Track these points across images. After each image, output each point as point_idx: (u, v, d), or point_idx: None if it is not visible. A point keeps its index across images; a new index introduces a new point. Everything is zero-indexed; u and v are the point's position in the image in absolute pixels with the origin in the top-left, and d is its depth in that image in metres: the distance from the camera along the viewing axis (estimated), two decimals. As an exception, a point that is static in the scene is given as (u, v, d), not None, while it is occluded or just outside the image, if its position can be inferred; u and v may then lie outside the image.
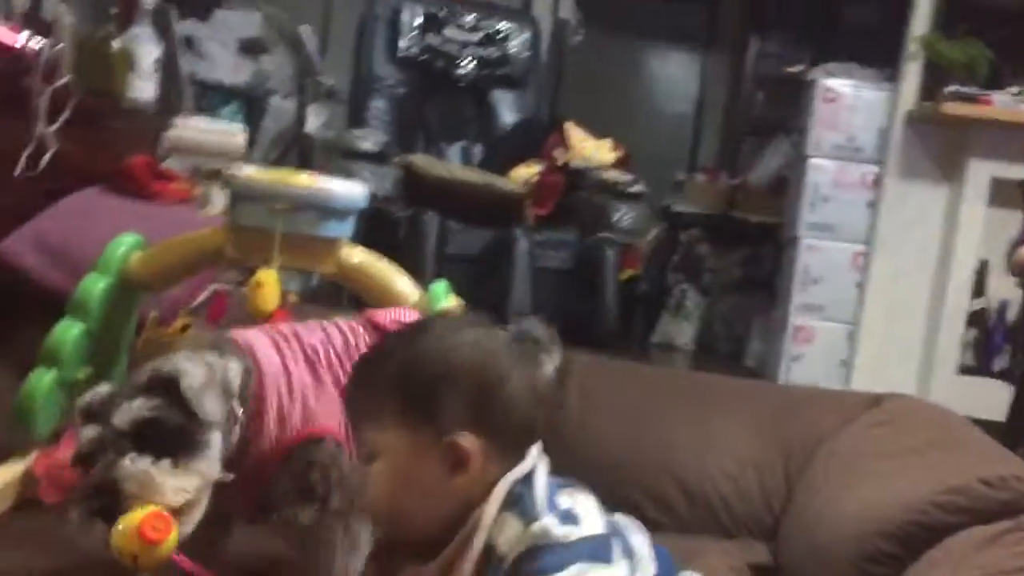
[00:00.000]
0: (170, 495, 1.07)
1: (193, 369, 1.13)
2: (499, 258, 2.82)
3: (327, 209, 1.62)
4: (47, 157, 2.13)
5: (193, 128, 2.90)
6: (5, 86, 2.12)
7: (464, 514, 0.95)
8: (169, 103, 2.86)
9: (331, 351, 1.31)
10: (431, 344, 1.00)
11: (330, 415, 1.25)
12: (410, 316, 1.39)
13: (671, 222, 4.78)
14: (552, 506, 0.95)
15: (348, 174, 2.89)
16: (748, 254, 4.78)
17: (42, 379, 1.57)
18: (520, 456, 0.99)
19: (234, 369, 1.18)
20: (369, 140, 2.98)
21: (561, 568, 0.90)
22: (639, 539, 1.05)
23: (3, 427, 1.67)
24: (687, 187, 4.67)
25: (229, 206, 1.66)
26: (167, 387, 1.10)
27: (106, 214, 2.26)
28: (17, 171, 2.10)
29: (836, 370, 3.78)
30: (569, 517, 0.95)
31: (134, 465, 1.07)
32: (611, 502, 1.08)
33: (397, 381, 0.98)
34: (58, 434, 1.63)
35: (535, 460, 1.00)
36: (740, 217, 4.59)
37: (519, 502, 0.95)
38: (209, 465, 1.11)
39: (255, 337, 1.28)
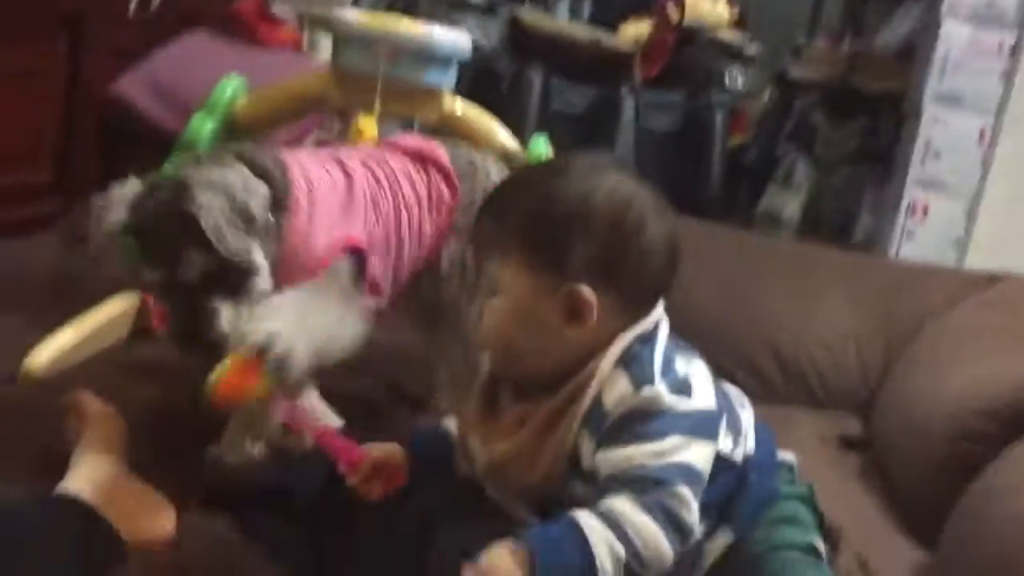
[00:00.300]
0: (250, 336, 1.06)
1: (212, 201, 1.11)
2: (603, 117, 2.75)
3: (430, 56, 1.60)
4: (158, -1, 2.14)
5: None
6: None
7: (578, 363, 0.93)
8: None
9: (370, 173, 1.32)
10: (571, 183, 0.94)
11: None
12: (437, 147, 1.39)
13: (786, 89, 4.57)
14: (667, 371, 0.92)
15: (454, 25, 2.83)
16: (865, 125, 4.54)
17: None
18: (645, 312, 0.95)
19: (254, 189, 1.16)
20: (478, -8, 2.90)
21: (662, 436, 0.88)
22: (746, 416, 1.03)
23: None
24: (806, 52, 4.43)
25: (333, 51, 1.64)
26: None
27: (215, 57, 2.29)
28: (130, 12, 2.12)
29: (950, 249, 3.62)
30: (682, 386, 0.92)
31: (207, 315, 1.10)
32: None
33: (529, 218, 0.94)
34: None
35: (659, 318, 0.97)
36: (860, 86, 4.34)
37: (635, 362, 0.92)
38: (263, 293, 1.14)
39: (294, 154, 1.29)
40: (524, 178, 1.01)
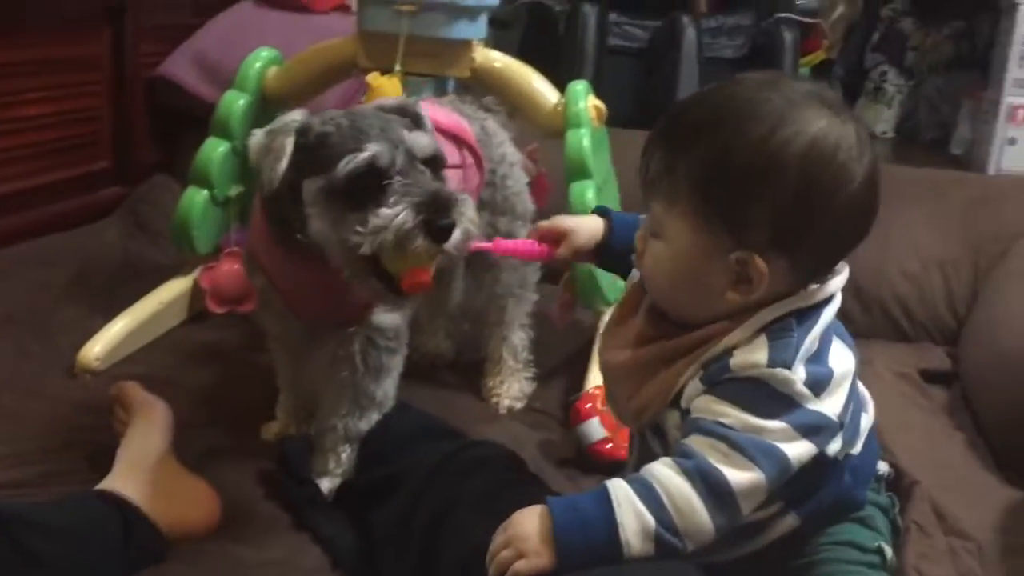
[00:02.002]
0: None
1: None
2: (664, 50, 2.62)
3: (456, 9, 1.53)
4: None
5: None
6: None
7: (727, 314, 0.85)
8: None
9: None
10: (760, 126, 0.79)
11: None
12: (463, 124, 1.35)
13: (871, -4, 4.30)
14: (815, 360, 0.83)
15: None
16: (959, 28, 4.26)
17: (195, 199, 1.62)
18: (820, 278, 0.85)
19: None
20: (526, -70, 2.79)
21: (772, 417, 0.81)
22: (865, 421, 0.95)
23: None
24: (889, -46, 4.17)
25: (358, 12, 1.60)
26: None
27: (260, 27, 2.26)
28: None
29: (1055, 153, 3.39)
30: (820, 384, 0.82)
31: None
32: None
33: (705, 170, 0.81)
34: (220, 249, 1.69)
35: (831, 294, 0.86)
36: (952, -15, 4.07)
37: (782, 336, 0.83)
38: None
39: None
40: (706, 110, 0.84)
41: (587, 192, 1.52)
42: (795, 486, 0.86)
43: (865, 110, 4.39)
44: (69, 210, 2.01)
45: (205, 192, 1.62)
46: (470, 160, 1.37)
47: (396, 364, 1.26)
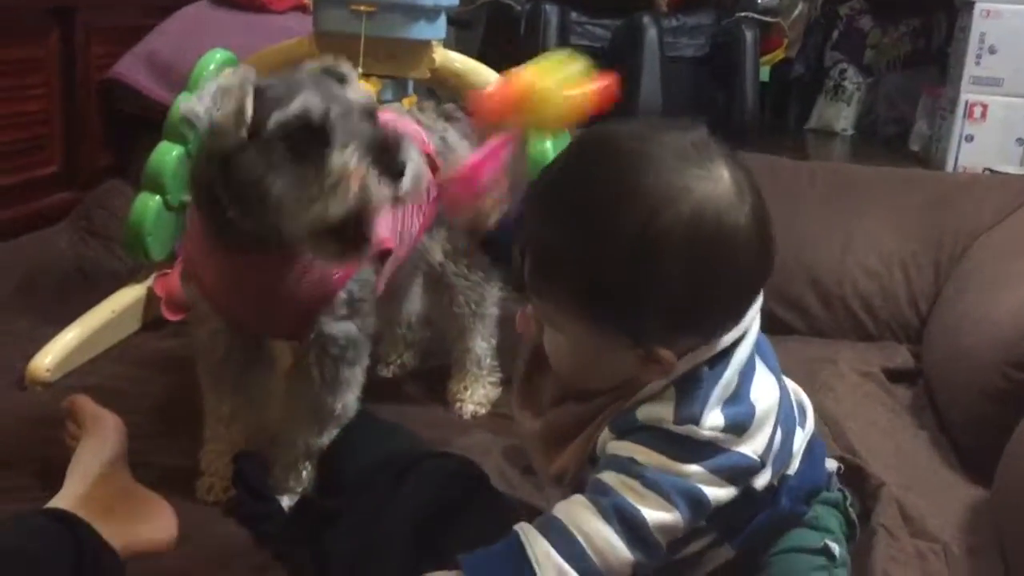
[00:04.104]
0: None
1: None
2: (626, 49, 2.62)
3: (414, 9, 1.51)
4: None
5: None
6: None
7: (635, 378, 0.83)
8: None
9: None
10: (638, 219, 0.74)
11: None
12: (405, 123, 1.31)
13: (829, -6, 4.34)
14: (734, 400, 0.81)
15: (462, -33, 2.72)
16: (917, 25, 4.30)
17: (148, 204, 1.58)
18: (732, 325, 0.82)
19: None
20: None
21: (685, 462, 0.79)
22: (800, 438, 0.92)
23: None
24: (847, -47, 4.20)
25: (314, 13, 1.57)
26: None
27: (215, 26, 2.23)
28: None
29: (1013, 149, 3.43)
30: (740, 425, 0.80)
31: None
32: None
33: (586, 282, 0.77)
34: (174, 255, 1.65)
35: (746, 328, 0.83)
36: (908, -17, 4.11)
37: (691, 388, 0.80)
38: None
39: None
40: (575, 197, 0.78)
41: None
42: (726, 518, 0.84)
43: (826, 109, 4.43)
44: (17, 216, 1.95)
45: (158, 198, 1.59)
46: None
47: (355, 376, 1.22)
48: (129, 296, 1.67)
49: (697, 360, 0.81)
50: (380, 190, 0.97)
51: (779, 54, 3.42)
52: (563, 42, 2.62)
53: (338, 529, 1.04)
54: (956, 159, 3.55)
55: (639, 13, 2.65)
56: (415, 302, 1.56)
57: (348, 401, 1.21)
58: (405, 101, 1.50)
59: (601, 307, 0.77)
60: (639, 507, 0.78)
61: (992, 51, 3.44)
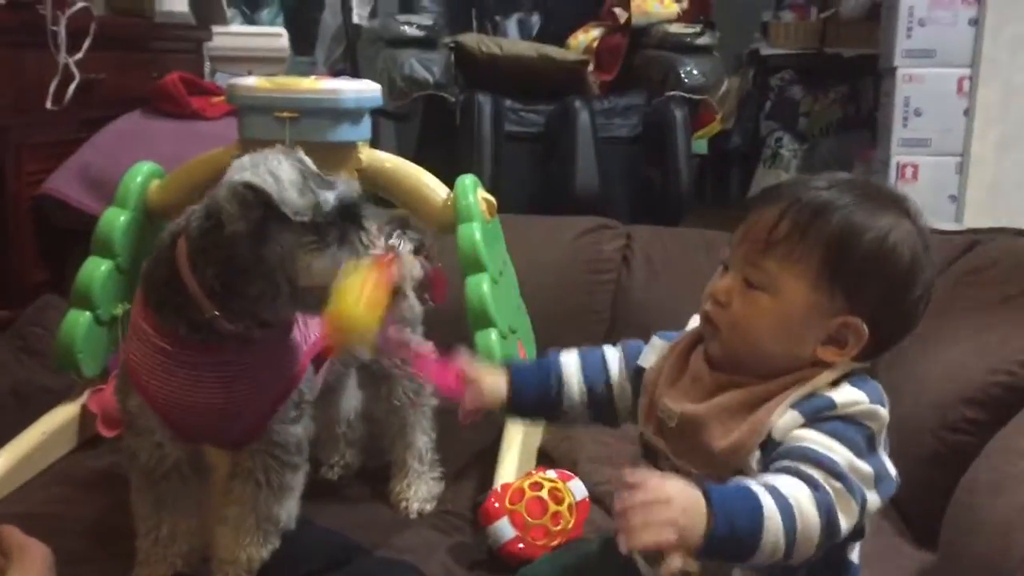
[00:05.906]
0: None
1: None
2: (560, 133, 2.67)
3: (336, 112, 1.53)
4: (72, 88, 2.08)
5: (233, 35, 2.82)
6: (23, 15, 2.05)
7: (800, 366, 0.91)
8: (206, 13, 2.77)
9: None
10: (871, 219, 0.91)
11: None
12: None
13: (760, 67, 4.47)
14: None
15: (395, 63, 2.77)
16: (845, 92, 4.44)
17: (78, 320, 1.57)
18: (884, 352, 0.94)
19: None
20: (415, 25, 2.83)
21: (864, 460, 0.86)
22: None
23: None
24: (773, 28, 4.33)
25: (239, 120, 1.58)
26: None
27: (147, 138, 2.24)
28: (48, 104, 2.06)
29: (946, 206, 3.52)
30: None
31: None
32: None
33: (837, 242, 0.90)
34: (107, 371, 1.63)
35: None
36: (834, 53, 4.23)
37: (868, 380, 0.92)
38: None
39: None
40: (830, 195, 0.94)
41: (483, 284, 1.51)
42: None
43: (765, 176, 4.53)
44: (-50, 337, 1.92)
45: (88, 313, 1.57)
46: None
47: (299, 482, 1.20)
48: (61, 416, 1.63)
49: (856, 367, 0.92)
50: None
51: (715, 127, 3.50)
52: (498, 129, 2.66)
53: None
54: (893, 219, 3.61)
55: (571, 97, 2.71)
56: (351, 399, 1.55)
57: (291, 508, 1.19)
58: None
59: (844, 266, 0.89)
60: (841, 516, 0.83)
61: (918, 113, 3.55)
